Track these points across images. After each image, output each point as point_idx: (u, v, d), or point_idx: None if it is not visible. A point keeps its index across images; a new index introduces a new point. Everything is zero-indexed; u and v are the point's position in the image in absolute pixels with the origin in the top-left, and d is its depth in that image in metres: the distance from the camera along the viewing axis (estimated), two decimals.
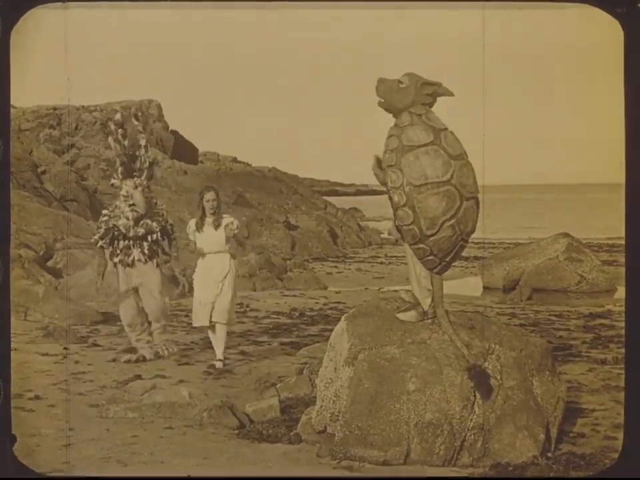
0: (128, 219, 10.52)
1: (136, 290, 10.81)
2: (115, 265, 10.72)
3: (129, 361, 10.43)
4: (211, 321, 10.24)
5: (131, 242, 10.57)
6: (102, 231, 10.60)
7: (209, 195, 10.24)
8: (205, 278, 10.30)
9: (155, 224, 10.67)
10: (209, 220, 10.25)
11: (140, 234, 10.57)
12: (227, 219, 10.31)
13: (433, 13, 8.01)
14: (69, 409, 8.49)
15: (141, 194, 10.56)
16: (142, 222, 10.60)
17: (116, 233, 10.54)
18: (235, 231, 10.32)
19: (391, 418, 7.12)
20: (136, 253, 10.59)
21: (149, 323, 10.92)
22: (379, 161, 7.60)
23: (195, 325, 10.51)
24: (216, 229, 10.23)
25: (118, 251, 10.62)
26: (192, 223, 10.40)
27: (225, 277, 10.26)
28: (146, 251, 10.63)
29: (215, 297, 10.22)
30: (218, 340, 10.30)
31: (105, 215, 10.68)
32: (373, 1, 7.84)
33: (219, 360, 10.24)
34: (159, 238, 10.70)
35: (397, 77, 7.52)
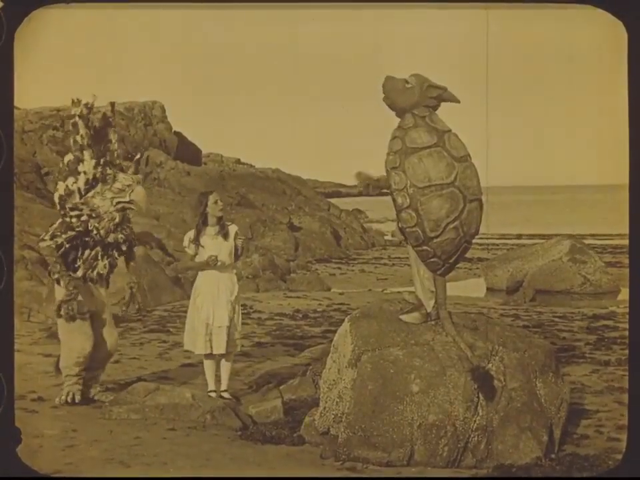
0: (114, 219, 8.71)
1: (92, 315, 8.84)
2: (64, 279, 8.63)
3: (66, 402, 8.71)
4: (226, 350, 8.96)
5: (101, 250, 8.79)
6: (72, 233, 8.63)
7: (215, 196, 9.00)
8: (213, 297, 8.93)
9: (128, 230, 8.96)
10: (212, 229, 8.97)
11: (121, 240, 8.84)
12: (233, 227, 9.10)
13: (436, 13, 8.01)
14: (72, 410, 8.49)
15: (144, 191, 8.85)
16: (125, 225, 8.88)
17: (86, 238, 8.69)
18: (242, 239, 9.13)
19: (394, 419, 7.12)
20: (101, 265, 8.77)
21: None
22: (359, 176, 7.66)
23: (197, 352, 9.02)
24: (225, 239, 8.96)
25: (79, 263, 8.72)
26: (191, 234, 9.03)
27: (236, 297, 9.02)
28: (114, 262, 8.90)
29: (229, 321, 8.91)
30: (225, 368, 9.09)
31: (79, 215, 8.68)
32: (375, 1, 7.85)
33: (225, 390, 9.03)
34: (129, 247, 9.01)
35: (401, 77, 7.53)
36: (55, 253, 8.59)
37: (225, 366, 9.11)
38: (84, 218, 8.64)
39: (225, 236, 9.00)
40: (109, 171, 8.76)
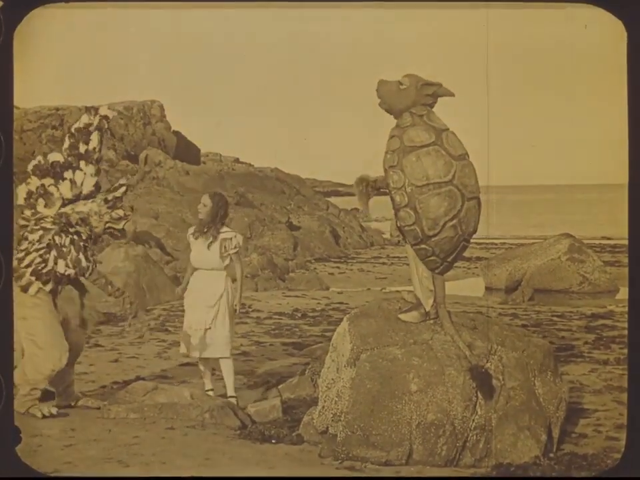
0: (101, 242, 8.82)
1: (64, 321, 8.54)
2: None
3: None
4: (203, 354, 8.84)
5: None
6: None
7: (203, 199, 8.85)
8: (194, 299, 8.84)
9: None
10: (201, 228, 8.87)
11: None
12: (225, 234, 8.83)
13: (437, 13, 8.02)
14: (71, 410, 8.48)
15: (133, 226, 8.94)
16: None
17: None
18: (233, 250, 8.83)
19: (393, 418, 7.12)
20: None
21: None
22: (360, 182, 7.66)
23: (180, 351, 9.02)
24: (211, 243, 8.79)
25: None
26: (191, 229, 9.05)
27: (219, 300, 8.78)
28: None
29: (205, 324, 8.75)
30: (226, 375, 8.91)
31: (79, 233, 8.41)
32: (376, 1, 7.85)
33: (231, 397, 8.87)
34: None
35: (401, 77, 7.53)
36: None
37: (224, 370, 8.95)
38: (83, 240, 8.39)
39: (212, 241, 8.81)
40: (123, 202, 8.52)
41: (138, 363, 10.62)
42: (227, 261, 8.86)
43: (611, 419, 8.18)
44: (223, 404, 8.39)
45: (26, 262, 8.28)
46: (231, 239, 8.85)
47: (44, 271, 8.26)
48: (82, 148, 8.48)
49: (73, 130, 8.57)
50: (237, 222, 24.11)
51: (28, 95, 7.52)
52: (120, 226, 8.49)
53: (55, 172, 8.46)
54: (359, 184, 7.77)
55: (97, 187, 8.53)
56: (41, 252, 8.27)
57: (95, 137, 8.50)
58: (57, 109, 30.49)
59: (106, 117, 8.56)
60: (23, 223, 8.44)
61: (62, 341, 8.31)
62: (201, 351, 8.84)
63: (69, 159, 8.49)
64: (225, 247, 8.83)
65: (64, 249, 8.26)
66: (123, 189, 8.59)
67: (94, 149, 8.49)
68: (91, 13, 7.75)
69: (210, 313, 8.80)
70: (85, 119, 8.56)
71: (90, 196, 8.48)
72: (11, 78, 7.16)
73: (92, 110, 8.56)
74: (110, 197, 8.50)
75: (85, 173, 8.46)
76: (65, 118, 30.40)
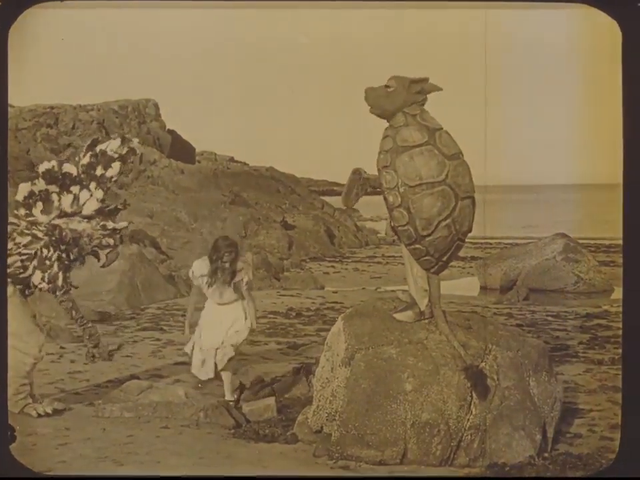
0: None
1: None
2: (87, 329, 8.54)
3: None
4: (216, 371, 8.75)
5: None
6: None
7: (228, 257, 8.52)
8: (212, 325, 8.74)
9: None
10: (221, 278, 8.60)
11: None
12: (240, 274, 8.62)
13: (436, 13, 8.02)
14: (65, 409, 8.47)
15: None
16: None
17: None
18: (245, 287, 8.70)
19: (387, 418, 7.12)
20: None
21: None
22: (356, 171, 7.63)
23: (198, 375, 8.81)
24: (228, 284, 8.62)
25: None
26: (198, 268, 8.67)
27: (238, 324, 8.74)
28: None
29: (217, 344, 8.71)
30: (225, 381, 8.81)
31: (69, 251, 8.37)
32: (375, 1, 7.85)
33: (230, 401, 8.70)
34: None
35: (387, 80, 7.53)
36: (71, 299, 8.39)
37: (224, 378, 8.85)
38: (69, 260, 8.33)
39: (228, 284, 8.66)
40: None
41: (132, 362, 10.60)
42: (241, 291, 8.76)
43: (605, 419, 8.19)
44: (217, 403, 8.39)
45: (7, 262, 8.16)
46: (242, 279, 8.67)
47: (21, 276, 8.19)
48: (99, 171, 8.42)
49: (97, 150, 8.47)
50: (231, 221, 24.10)
51: (23, 93, 7.53)
52: (104, 252, 8.46)
53: (64, 182, 8.37)
54: (355, 172, 7.71)
55: (98, 211, 8.45)
56: (24, 257, 8.18)
57: (116, 166, 8.45)
58: (52, 108, 30.44)
59: (133, 151, 8.51)
60: (14, 220, 8.31)
61: (38, 333, 8.33)
62: (215, 371, 8.74)
63: (82, 175, 8.42)
64: (243, 283, 8.67)
65: (47, 262, 8.18)
66: (125, 224, 8.59)
67: (111, 177, 8.46)
68: (86, 12, 7.75)
69: (225, 334, 8.72)
70: (113, 145, 8.50)
71: (88, 217, 8.43)
72: (6, 76, 7.16)
73: (125, 140, 8.51)
74: (109, 225, 8.47)
75: (91, 195, 8.41)
76: (60, 116, 30.36)
